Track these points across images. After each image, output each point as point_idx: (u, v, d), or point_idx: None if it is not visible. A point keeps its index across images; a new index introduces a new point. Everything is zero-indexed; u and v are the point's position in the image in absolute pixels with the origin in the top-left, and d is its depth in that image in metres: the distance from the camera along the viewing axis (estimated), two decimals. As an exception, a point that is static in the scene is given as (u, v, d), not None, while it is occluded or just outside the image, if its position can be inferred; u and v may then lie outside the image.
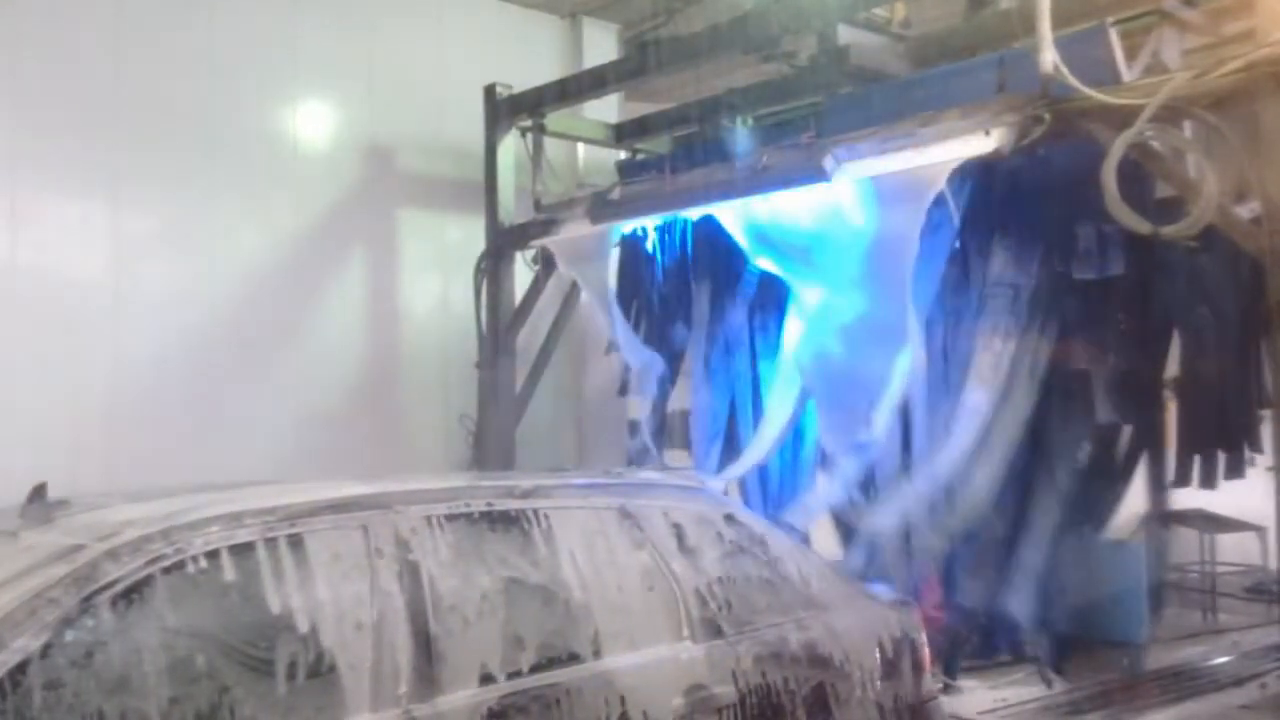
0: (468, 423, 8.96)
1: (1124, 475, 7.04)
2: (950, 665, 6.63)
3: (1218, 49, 6.10)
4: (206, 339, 8.11)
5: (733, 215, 7.25)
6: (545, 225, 8.38)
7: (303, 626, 2.88)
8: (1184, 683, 6.66)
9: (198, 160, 8.14)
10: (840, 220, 6.64)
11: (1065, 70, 5.47)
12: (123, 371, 7.73)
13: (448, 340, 9.18)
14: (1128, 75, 5.92)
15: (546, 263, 8.57)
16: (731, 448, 7.92)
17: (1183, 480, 6.80)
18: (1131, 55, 6.09)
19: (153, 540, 2.81)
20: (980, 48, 6.83)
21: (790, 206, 6.89)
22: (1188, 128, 5.52)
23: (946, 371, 6.80)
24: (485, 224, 8.84)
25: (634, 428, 8.39)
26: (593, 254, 8.09)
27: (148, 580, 2.74)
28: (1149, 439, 7.02)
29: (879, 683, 4.04)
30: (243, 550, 2.91)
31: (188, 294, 8.07)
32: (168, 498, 3.11)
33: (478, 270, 8.84)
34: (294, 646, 2.85)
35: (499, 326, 8.74)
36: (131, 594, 2.70)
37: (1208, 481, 6.68)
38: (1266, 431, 6.45)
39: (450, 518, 3.33)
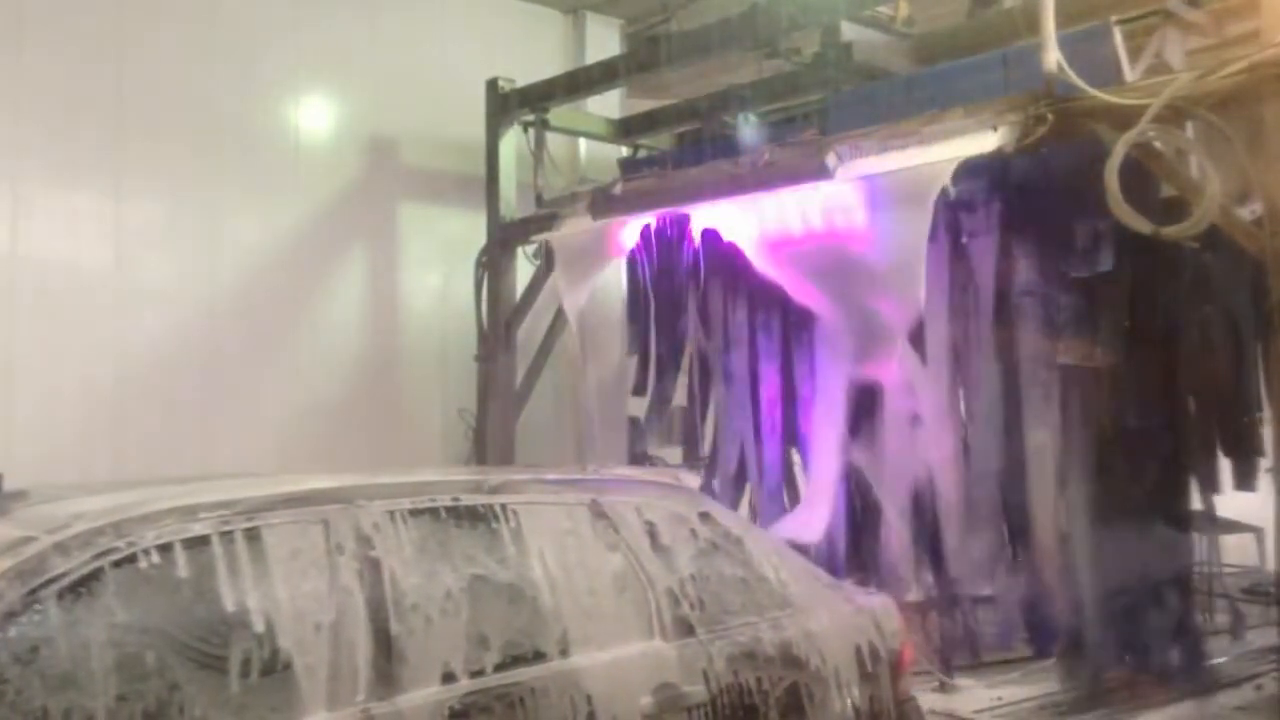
0: (467, 417, 8.97)
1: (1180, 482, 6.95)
2: (948, 664, 6.64)
3: (1221, 50, 6.08)
4: (208, 331, 8.12)
5: (740, 227, 7.23)
6: (547, 220, 8.38)
7: (258, 623, 2.82)
8: (1180, 683, 6.65)
9: (200, 152, 8.14)
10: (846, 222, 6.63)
11: (1069, 69, 5.46)
12: (126, 363, 7.73)
13: (448, 334, 9.18)
14: (1131, 75, 5.91)
15: (548, 258, 8.56)
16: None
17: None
18: (1135, 55, 6.07)
19: (103, 533, 2.75)
20: (984, 46, 6.81)
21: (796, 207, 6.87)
22: (1190, 128, 5.51)
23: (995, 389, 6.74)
24: (486, 218, 8.83)
25: (635, 425, 8.39)
26: (599, 265, 8.10)
27: (96, 574, 2.67)
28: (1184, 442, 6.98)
29: (855, 684, 3.99)
30: (197, 544, 2.84)
31: (190, 286, 8.08)
32: (128, 490, 3.05)
33: (478, 264, 8.83)
34: (248, 644, 2.78)
35: (499, 321, 8.73)
36: (79, 588, 2.64)
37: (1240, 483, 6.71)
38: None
39: (414, 513, 3.26)
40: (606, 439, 8.27)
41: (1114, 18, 5.99)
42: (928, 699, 6.25)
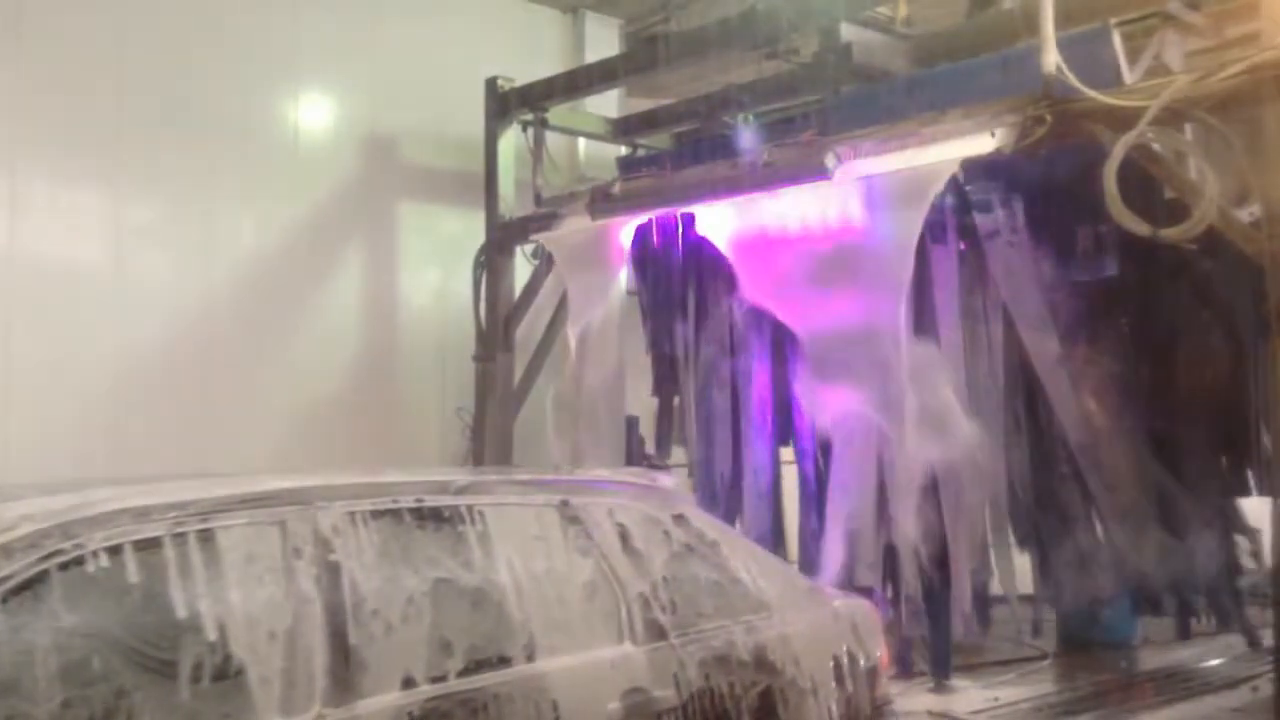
0: (465, 415, 8.96)
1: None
2: (943, 664, 6.63)
3: (1220, 52, 6.07)
4: (206, 328, 8.12)
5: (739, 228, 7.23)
6: (545, 219, 8.37)
7: (210, 629, 2.74)
8: (1177, 684, 6.67)
9: (199, 149, 8.14)
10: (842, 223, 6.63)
11: (1067, 71, 5.45)
12: (123, 360, 7.73)
13: (446, 333, 9.18)
14: (1130, 77, 5.90)
15: (546, 257, 8.55)
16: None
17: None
18: (1134, 57, 6.07)
19: (50, 535, 2.65)
20: (983, 47, 6.81)
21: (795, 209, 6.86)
22: (1189, 130, 5.51)
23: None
24: (485, 217, 8.83)
25: (633, 425, 8.38)
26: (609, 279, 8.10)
27: (41, 577, 2.58)
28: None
29: (831, 687, 3.93)
30: (148, 547, 2.76)
31: (188, 283, 8.09)
32: (83, 490, 2.96)
33: (477, 263, 8.82)
34: (200, 650, 2.70)
35: (498, 320, 8.73)
36: (24, 591, 2.55)
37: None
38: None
39: (376, 514, 3.18)
40: (600, 440, 8.24)
41: (1113, 19, 5.98)
42: (924, 699, 6.27)
